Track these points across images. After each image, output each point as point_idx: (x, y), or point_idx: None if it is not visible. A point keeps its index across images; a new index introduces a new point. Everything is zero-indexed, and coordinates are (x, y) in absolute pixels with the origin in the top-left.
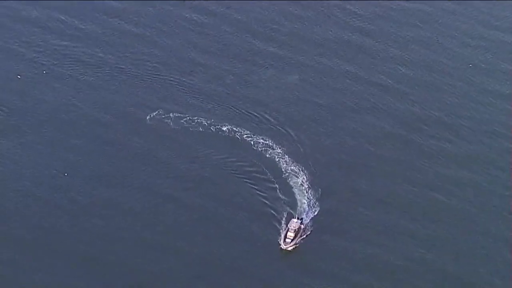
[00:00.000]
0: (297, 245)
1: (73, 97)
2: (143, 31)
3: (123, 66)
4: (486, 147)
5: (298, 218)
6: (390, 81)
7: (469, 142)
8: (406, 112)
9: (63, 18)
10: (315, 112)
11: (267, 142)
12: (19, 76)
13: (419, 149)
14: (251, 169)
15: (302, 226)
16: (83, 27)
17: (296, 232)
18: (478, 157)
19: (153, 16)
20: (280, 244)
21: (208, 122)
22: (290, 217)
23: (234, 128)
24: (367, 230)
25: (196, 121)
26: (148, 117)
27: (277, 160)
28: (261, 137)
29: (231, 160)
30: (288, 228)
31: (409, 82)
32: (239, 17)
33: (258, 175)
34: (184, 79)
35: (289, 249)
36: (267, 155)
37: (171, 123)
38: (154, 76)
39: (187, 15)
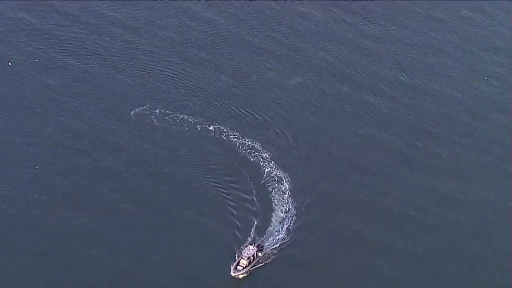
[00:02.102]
0: (249, 274)
1: (59, 86)
2: (139, 24)
3: (117, 56)
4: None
5: (255, 245)
6: (390, 90)
7: (463, 157)
8: (404, 123)
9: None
10: (311, 118)
11: (254, 145)
12: (9, 63)
13: (412, 163)
14: (230, 178)
15: (260, 254)
16: (78, 17)
17: (250, 260)
18: (472, 173)
19: (153, 10)
20: (231, 270)
21: (195, 120)
22: (256, 239)
23: (222, 128)
24: (336, 270)
25: (182, 119)
26: (132, 112)
27: (261, 165)
28: (248, 139)
29: (210, 164)
30: (242, 255)
31: (410, 91)
32: (243, 15)
33: (235, 186)
34: (178, 75)
35: (240, 277)
36: (251, 159)
37: (155, 120)
38: (146, 69)
39: (187, 11)
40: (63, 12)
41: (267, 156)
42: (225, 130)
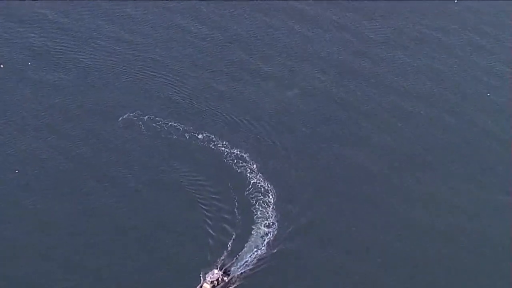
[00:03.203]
0: None
1: (46, 88)
2: (136, 30)
3: (107, 61)
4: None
5: (221, 269)
6: (385, 112)
7: (457, 190)
8: (395, 149)
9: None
10: (306, 131)
11: (243, 155)
12: (1, 66)
13: (400, 191)
14: (213, 189)
15: (226, 279)
16: (68, 24)
17: (214, 285)
18: (471, 206)
19: (147, 12)
20: None
21: (184, 128)
22: (225, 262)
23: (211, 137)
24: None
25: (170, 126)
26: (120, 118)
27: (247, 177)
28: (237, 149)
29: (194, 174)
30: (205, 279)
31: (406, 115)
32: (243, 20)
33: (217, 199)
34: (171, 81)
35: None
36: (238, 170)
37: (143, 127)
38: (138, 74)
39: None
40: (51, 16)
41: (254, 167)
42: (214, 139)
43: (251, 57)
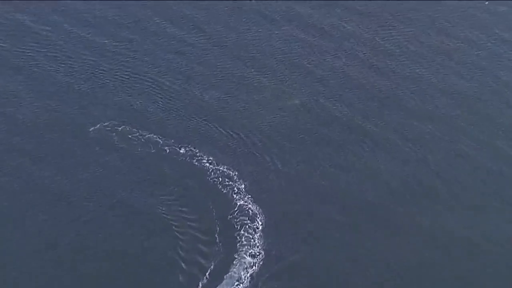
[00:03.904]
0: None
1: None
2: (112, 32)
3: (80, 63)
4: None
5: None
6: (392, 133)
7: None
8: (401, 176)
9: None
10: (307, 148)
11: (230, 173)
12: None
13: (405, 225)
14: (192, 211)
15: None
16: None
17: None
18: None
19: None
20: None
21: (165, 141)
22: None
23: (195, 151)
24: None
25: (148, 138)
26: (92, 128)
27: (233, 198)
28: (224, 166)
29: (171, 194)
30: None
31: (418, 138)
32: (238, 20)
33: (196, 225)
34: (152, 87)
35: None
36: (223, 190)
37: (117, 139)
38: (114, 79)
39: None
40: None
41: (242, 187)
42: (198, 153)
43: (244, 64)
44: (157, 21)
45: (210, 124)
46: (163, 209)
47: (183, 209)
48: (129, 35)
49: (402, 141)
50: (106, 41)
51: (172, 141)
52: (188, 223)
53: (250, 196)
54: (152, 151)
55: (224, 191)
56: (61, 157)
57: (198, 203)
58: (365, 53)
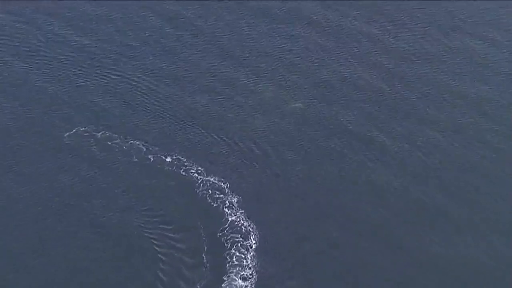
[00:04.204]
0: None
1: None
2: (94, 29)
3: (55, 61)
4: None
5: None
6: (405, 150)
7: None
8: (413, 199)
9: None
10: (309, 156)
11: (221, 184)
12: None
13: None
14: (177, 234)
15: None
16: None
17: None
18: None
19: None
20: None
21: (149, 148)
22: None
23: (183, 160)
24: None
25: (131, 145)
26: (67, 134)
27: (225, 213)
28: (216, 177)
29: (155, 210)
30: None
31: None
32: (233, 15)
33: (181, 245)
34: (135, 89)
35: None
36: (213, 204)
37: (95, 146)
38: (94, 79)
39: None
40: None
41: (235, 201)
42: (186, 163)
43: (239, 64)
44: (144, 16)
45: (200, 130)
46: (145, 226)
47: (167, 226)
48: (113, 32)
49: (412, 152)
50: (84, 38)
51: (157, 148)
52: (173, 242)
53: (243, 211)
54: (134, 160)
55: (214, 205)
56: (30, 167)
57: (184, 219)
58: (375, 53)
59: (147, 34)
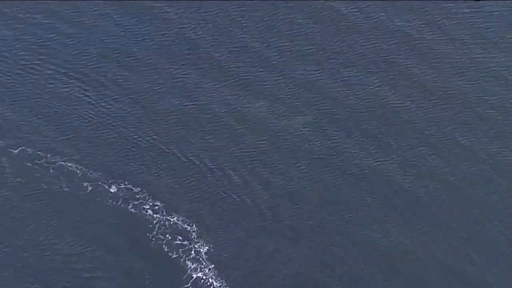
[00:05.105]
0: None
1: None
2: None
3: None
4: None
5: None
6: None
7: None
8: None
9: None
10: (298, 191)
11: (186, 226)
12: None
13: None
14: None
15: None
16: None
17: None
18: None
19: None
20: None
21: (88, 173)
22: None
23: (133, 190)
24: None
25: (61, 167)
26: None
27: (187, 267)
28: (178, 215)
29: (85, 267)
30: None
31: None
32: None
33: None
34: (73, 88)
35: None
36: (173, 255)
37: (9, 168)
38: (19, 77)
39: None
40: None
41: (203, 251)
42: (138, 195)
43: (239, 61)
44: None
45: (161, 148)
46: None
47: (104, 284)
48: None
49: (433, 189)
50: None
51: (99, 173)
52: None
53: (213, 265)
54: (64, 188)
55: (174, 256)
56: None
57: (128, 276)
58: (398, 57)
59: (94, 23)
